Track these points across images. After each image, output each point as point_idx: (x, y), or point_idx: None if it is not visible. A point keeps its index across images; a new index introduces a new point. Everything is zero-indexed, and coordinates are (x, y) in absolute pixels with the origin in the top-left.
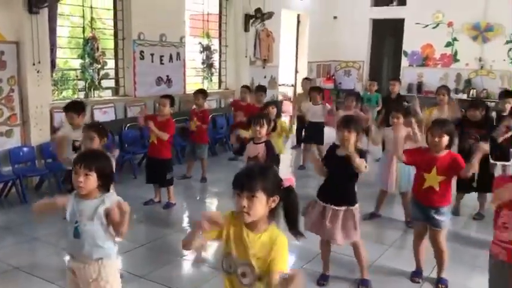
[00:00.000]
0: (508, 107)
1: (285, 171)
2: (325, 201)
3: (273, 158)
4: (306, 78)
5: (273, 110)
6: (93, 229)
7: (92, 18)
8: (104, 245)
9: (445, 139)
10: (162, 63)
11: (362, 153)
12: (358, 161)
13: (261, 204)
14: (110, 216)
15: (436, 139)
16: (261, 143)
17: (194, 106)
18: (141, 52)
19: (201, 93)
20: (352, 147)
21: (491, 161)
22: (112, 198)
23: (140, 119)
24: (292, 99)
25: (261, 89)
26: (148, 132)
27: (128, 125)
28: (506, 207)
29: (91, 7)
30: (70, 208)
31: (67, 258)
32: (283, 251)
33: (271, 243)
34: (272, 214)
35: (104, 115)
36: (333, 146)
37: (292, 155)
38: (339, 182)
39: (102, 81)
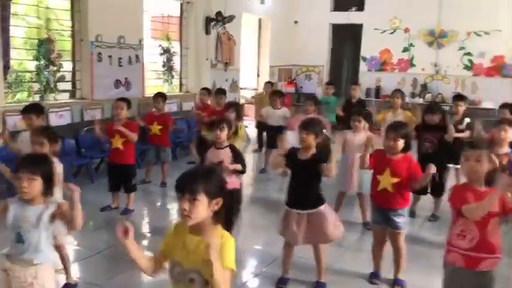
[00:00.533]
0: (460, 110)
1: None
2: (289, 206)
3: (242, 163)
4: (268, 82)
5: (232, 114)
6: (37, 235)
7: (48, 19)
8: (46, 250)
9: (401, 142)
10: (120, 66)
11: (326, 154)
12: (330, 165)
13: (202, 207)
14: (60, 214)
15: (391, 142)
16: (224, 147)
17: (154, 109)
18: (99, 54)
19: (161, 96)
20: (330, 153)
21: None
22: (54, 201)
23: (97, 129)
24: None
25: (221, 91)
26: (105, 138)
27: (85, 128)
28: (463, 215)
29: (47, 7)
30: (13, 212)
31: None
32: (229, 249)
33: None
34: (217, 216)
35: (59, 119)
36: (293, 150)
37: (254, 158)
38: (302, 185)
39: (58, 83)
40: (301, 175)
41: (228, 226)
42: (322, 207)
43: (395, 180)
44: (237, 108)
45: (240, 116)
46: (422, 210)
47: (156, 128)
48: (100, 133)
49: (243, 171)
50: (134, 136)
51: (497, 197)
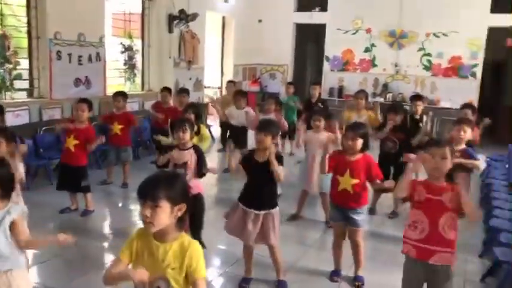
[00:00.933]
0: (419, 109)
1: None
2: (246, 206)
3: (205, 163)
4: (230, 81)
5: (190, 116)
6: None
7: (2, 15)
8: (11, 256)
9: (359, 142)
10: (80, 64)
11: (279, 159)
12: (277, 168)
13: (165, 214)
14: (16, 229)
15: (350, 142)
16: (188, 148)
17: (114, 109)
18: (58, 52)
19: (121, 95)
20: (273, 156)
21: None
22: (18, 209)
23: (58, 126)
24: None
25: (183, 91)
26: (64, 136)
27: (44, 128)
28: (415, 206)
29: (2, 2)
30: None
31: None
32: (199, 258)
33: (183, 251)
34: (180, 222)
35: (16, 118)
36: (251, 151)
37: (218, 158)
38: (259, 186)
39: (14, 82)
40: (258, 177)
41: (195, 232)
42: (276, 209)
43: (355, 181)
44: (196, 109)
45: (199, 117)
46: (382, 207)
47: (116, 128)
48: (59, 130)
49: (203, 174)
50: (90, 147)
51: (407, 180)
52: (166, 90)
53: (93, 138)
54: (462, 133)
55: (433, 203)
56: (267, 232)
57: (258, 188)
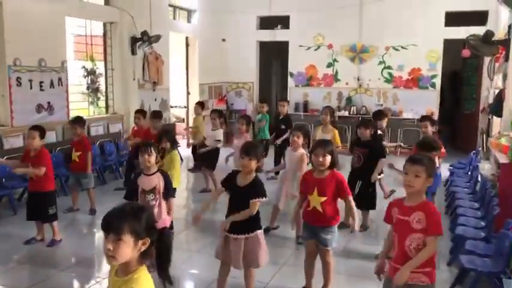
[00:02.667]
0: (383, 124)
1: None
2: (229, 231)
3: (171, 188)
4: (198, 103)
5: (166, 144)
6: None
7: None
8: None
9: (328, 158)
10: (42, 90)
11: (259, 184)
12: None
13: (127, 248)
14: None
15: (320, 159)
16: (154, 173)
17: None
18: (18, 78)
19: (77, 122)
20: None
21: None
22: None
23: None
24: (185, 121)
25: (157, 115)
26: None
27: (5, 157)
28: (393, 228)
29: None
30: None
31: None
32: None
33: (129, 283)
34: (144, 256)
35: None
36: (233, 173)
37: (189, 178)
38: (239, 210)
39: None
40: (240, 200)
41: (164, 268)
42: (258, 232)
43: (323, 199)
44: (170, 136)
45: (174, 144)
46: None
47: (75, 155)
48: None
49: (169, 196)
50: (39, 171)
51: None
52: (139, 112)
53: (44, 160)
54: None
55: (401, 223)
56: (251, 256)
57: (237, 212)
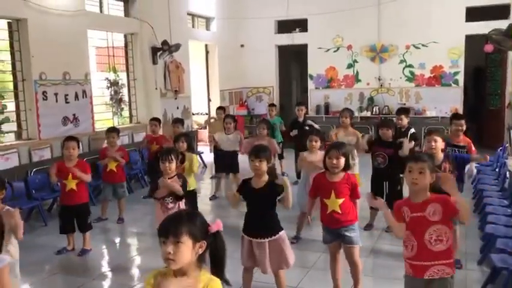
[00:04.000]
0: (404, 122)
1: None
2: (249, 236)
3: (185, 190)
4: (220, 108)
5: (183, 144)
6: None
7: None
8: None
9: (342, 161)
10: (67, 102)
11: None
12: (287, 196)
13: (187, 250)
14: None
15: (334, 161)
16: (173, 177)
17: (106, 145)
18: (44, 92)
19: (115, 131)
20: (288, 191)
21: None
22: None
23: (52, 175)
24: (207, 128)
25: (178, 121)
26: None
27: (34, 169)
28: (406, 228)
29: None
30: None
31: None
32: None
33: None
34: (201, 260)
35: (6, 162)
36: (246, 179)
37: (212, 184)
38: (257, 214)
39: (2, 125)
40: (257, 204)
41: (220, 270)
42: (281, 233)
43: (340, 201)
44: (187, 138)
45: (190, 146)
46: (379, 223)
47: (113, 165)
48: (55, 178)
49: (182, 196)
50: (88, 177)
51: (392, 222)
52: (155, 120)
53: (88, 169)
54: (433, 143)
55: (416, 220)
56: (279, 258)
57: (259, 215)
